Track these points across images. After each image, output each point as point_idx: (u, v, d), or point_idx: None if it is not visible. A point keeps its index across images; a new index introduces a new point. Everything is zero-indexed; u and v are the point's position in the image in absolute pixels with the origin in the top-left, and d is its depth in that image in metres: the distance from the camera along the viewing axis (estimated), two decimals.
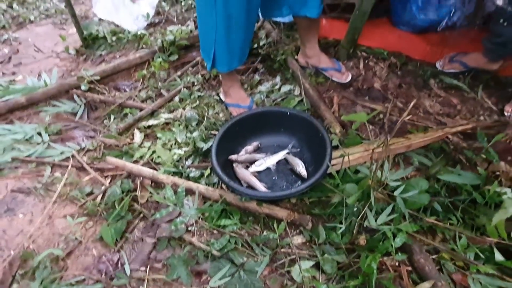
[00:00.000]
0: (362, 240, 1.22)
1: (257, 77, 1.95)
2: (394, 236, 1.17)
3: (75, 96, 1.93)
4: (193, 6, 2.52)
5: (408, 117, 1.61)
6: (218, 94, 1.85)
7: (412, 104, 0.96)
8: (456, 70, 1.89)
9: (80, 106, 1.89)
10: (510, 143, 1.50)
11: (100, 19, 2.51)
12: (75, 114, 1.87)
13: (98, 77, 2.00)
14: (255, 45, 2.09)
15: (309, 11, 1.60)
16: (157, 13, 2.53)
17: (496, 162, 1.34)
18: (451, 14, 1.84)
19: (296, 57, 1.98)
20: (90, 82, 1.97)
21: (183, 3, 2.59)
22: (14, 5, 2.78)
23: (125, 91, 1.99)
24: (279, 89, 1.85)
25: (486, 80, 1.83)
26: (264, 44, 2.10)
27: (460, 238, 1.19)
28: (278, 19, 2.21)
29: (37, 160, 1.63)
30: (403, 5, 2.06)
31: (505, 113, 1.68)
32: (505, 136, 1.52)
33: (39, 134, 1.74)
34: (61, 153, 1.66)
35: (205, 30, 1.47)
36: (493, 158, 1.34)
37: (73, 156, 1.63)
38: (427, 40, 2.03)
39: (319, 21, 1.76)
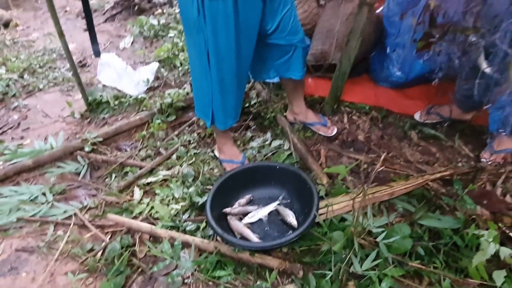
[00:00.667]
0: (350, 286, 1.28)
1: (249, 133, 2.09)
2: (380, 281, 1.22)
3: (79, 157, 2.05)
4: (188, 70, 2.73)
5: (384, 167, 1.72)
6: (213, 151, 1.98)
7: (383, 156, 1.08)
8: (434, 121, 2.04)
9: (84, 166, 2.01)
10: (486, 188, 1.60)
11: (104, 86, 2.71)
12: (78, 174, 1.98)
13: (101, 139, 2.14)
14: (247, 104, 2.25)
15: (293, 74, 1.78)
16: (156, 78, 2.74)
17: (471, 207, 1.43)
18: (427, 70, 2.01)
19: (284, 114, 2.14)
20: (93, 143, 2.11)
21: (180, 68, 2.82)
22: (25, 75, 3.01)
23: (126, 150, 2.12)
24: (270, 144, 1.98)
25: (462, 129, 1.97)
26: (255, 103, 2.27)
27: (444, 280, 1.24)
28: (267, 80, 2.41)
29: (41, 219, 1.71)
30: (381, 64, 2.27)
31: (481, 159, 1.80)
32: (481, 181, 1.62)
33: (44, 194, 1.84)
34: (64, 211, 1.74)
35: (202, 92, 1.63)
36: (468, 205, 1.44)
37: (75, 214, 1.72)
38: (405, 95, 2.21)
39: (304, 81, 1.93)
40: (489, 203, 1.47)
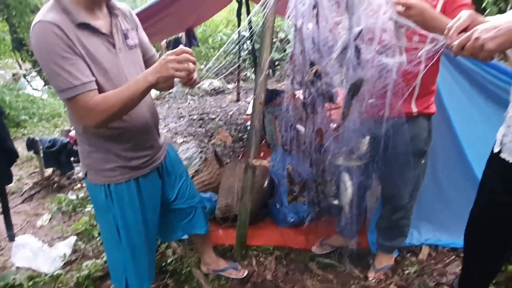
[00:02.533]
0: None
1: None
2: None
3: None
4: None
5: None
6: None
7: None
8: (328, 251, 2.38)
9: None
10: None
11: (17, 267, 2.68)
12: None
13: None
14: (163, 263, 2.41)
15: (198, 230, 2.05)
16: (74, 251, 2.79)
17: None
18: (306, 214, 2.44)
19: (200, 266, 2.32)
20: None
21: (98, 238, 2.93)
22: None
23: None
24: None
25: (351, 254, 2.32)
26: (171, 261, 2.43)
27: None
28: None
29: None
30: (278, 208, 2.68)
31: (369, 279, 2.11)
32: None
33: None
34: None
35: (115, 262, 1.76)
36: None
37: None
38: (302, 232, 2.58)
39: (210, 234, 2.20)
40: None
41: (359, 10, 1.26)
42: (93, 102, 1.29)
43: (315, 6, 1.37)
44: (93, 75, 1.32)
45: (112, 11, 1.43)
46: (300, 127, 1.53)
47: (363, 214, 2.31)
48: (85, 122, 1.36)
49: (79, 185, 3.90)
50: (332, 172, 1.76)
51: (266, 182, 2.79)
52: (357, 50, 1.27)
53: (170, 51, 1.25)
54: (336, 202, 1.81)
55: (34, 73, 9.84)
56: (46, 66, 1.26)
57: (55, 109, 7.03)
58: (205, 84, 7.35)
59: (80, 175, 4.10)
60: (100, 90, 1.34)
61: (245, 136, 4.51)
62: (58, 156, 3.63)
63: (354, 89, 1.28)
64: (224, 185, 2.79)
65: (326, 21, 1.40)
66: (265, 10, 1.76)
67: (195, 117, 5.87)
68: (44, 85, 9.08)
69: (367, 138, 1.38)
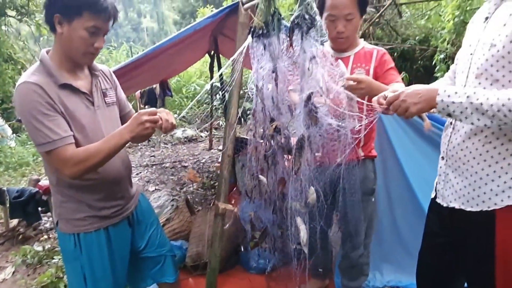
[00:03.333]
0: None
1: None
2: None
3: None
4: None
5: None
6: None
7: None
8: None
9: None
10: None
11: None
12: None
13: None
14: None
15: (167, 279, 2.07)
16: None
17: None
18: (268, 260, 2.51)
19: None
20: None
21: None
22: None
23: None
24: None
25: None
26: None
27: None
28: None
29: None
30: (247, 255, 2.74)
31: None
32: None
33: None
34: None
35: None
36: None
37: None
38: (273, 278, 2.63)
39: (179, 283, 2.22)
40: None
41: (311, 77, 1.47)
42: (70, 155, 1.40)
43: (273, 70, 1.58)
44: (71, 130, 1.44)
45: (93, 72, 1.59)
46: (262, 177, 1.68)
47: (330, 256, 2.42)
48: (62, 174, 1.45)
49: (45, 236, 3.81)
50: (290, 218, 1.89)
51: (236, 229, 2.86)
52: (309, 110, 1.46)
53: (143, 111, 1.40)
54: (297, 246, 1.93)
55: (1, 121, 9.70)
56: (27, 122, 1.38)
57: (23, 158, 6.89)
58: (179, 133, 7.50)
59: (47, 225, 4.02)
60: (77, 144, 1.46)
61: (217, 183, 4.60)
62: (26, 206, 3.57)
63: (300, 144, 1.45)
64: (195, 233, 2.84)
65: (284, 83, 1.60)
66: (233, 71, 1.96)
67: (167, 165, 5.94)
68: (12, 133, 8.94)
69: (312, 188, 1.53)
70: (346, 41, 1.84)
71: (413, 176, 2.31)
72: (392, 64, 1.86)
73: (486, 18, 1.28)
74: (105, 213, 1.63)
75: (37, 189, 3.62)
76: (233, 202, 3.62)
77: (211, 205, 3.78)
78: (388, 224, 2.33)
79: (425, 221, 1.61)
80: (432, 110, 1.38)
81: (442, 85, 1.32)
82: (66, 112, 1.44)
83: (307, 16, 1.43)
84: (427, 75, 6.22)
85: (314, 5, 1.45)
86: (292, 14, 1.53)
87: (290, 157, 1.60)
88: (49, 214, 3.99)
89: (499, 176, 1.24)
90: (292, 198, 1.51)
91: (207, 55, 5.25)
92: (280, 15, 1.59)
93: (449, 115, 1.19)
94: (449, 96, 1.16)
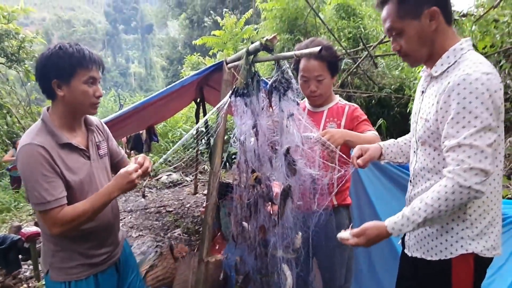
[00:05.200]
0: None
1: None
2: None
3: None
4: None
5: None
6: None
7: None
8: None
9: None
10: None
11: None
12: None
13: None
14: None
15: None
16: None
17: None
18: None
19: None
20: None
21: None
22: None
23: None
24: None
25: None
26: None
27: None
28: None
29: None
30: None
31: None
32: None
33: None
34: None
35: None
36: None
37: None
38: None
39: None
40: None
41: (288, 133, 1.64)
42: (60, 216, 1.50)
43: (254, 126, 1.74)
44: (69, 185, 1.56)
45: (89, 127, 1.72)
46: (245, 224, 1.79)
47: None
48: (53, 231, 1.54)
49: (25, 285, 3.72)
50: (274, 264, 1.98)
51: (221, 275, 2.89)
52: (288, 163, 1.62)
53: (130, 169, 1.53)
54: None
55: None
56: (28, 180, 1.50)
57: (4, 203, 6.78)
58: (163, 177, 7.54)
59: (27, 274, 3.93)
60: (74, 195, 1.57)
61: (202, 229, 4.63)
62: (7, 254, 3.52)
63: (285, 193, 1.59)
64: (179, 280, 2.86)
65: (264, 137, 1.76)
66: (217, 124, 2.13)
67: (152, 210, 5.93)
68: None
69: (300, 234, 1.65)
70: (320, 98, 2.05)
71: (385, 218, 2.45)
72: (364, 117, 2.04)
73: (422, 92, 1.50)
74: (95, 260, 1.70)
75: (19, 237, 3.58)
76: (217, 247, 3.65)
77: (196, 250, 3.80)
78: (366, 268, 2.42)
79: (399, 264, 1.72)
80: (402, 161, 1.60)
81: (387, 222, 1.43)
82: (66, 168, 1.56)
83: (283, 80, 1.62)
84: (403, 120, 6.54)
85: (289, 71, 1.65)
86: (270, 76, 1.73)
87: (272, 205, 1.73)
88: (29, 262, 3.92)
89: (452, 228, 1.39)
90: (275, 245, 1.62)
91: (193, 102, 5.47)
92: (260, 77, 1.79)
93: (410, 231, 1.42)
94: (397, 228, 1.36)
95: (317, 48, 1.51)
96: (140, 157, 1.62)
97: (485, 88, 1.22)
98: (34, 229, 3.63)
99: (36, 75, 1.57)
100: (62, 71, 1.52)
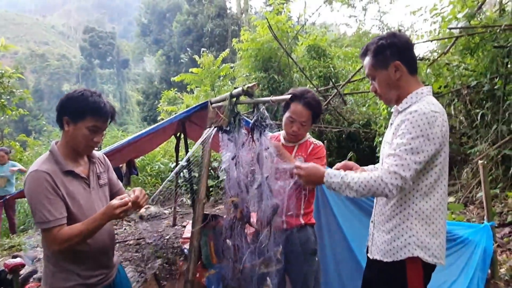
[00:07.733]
0: None
1: None
2: None
3: None
4: None
5: None
6: None
7: None
8: None
9: None
10: None
11: None
12: None
13: None
14: None
15: None
16: None
17: None
18: None
19: None
20: None
21: None
22: None
23: None
24: None
25: None
26: None
27: None
28: None
29: None
30: None
31: None
32: None
33: None
34: None
35: None
36: None
37: None
38: None
39: None
40: None
41: (266, 164, 1.97)
42: (60, 233, 1.72)
43: (233, 157, 2.06)
44: (70, 209, 1.78)
45: (91, 159, 1.97)
46: (229, 241, 2.06)
47: None
48: (52, 248, 1.75)
49: None
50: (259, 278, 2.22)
51: None
52: (268, 187, 1.94)
53: (115, 204, 1.72)
54: None
55: None
56: (33, 202, 1.72)
57: None
58: (141, 210, 7.59)
59: None
60: (75, 219, 1.79)
61: (181, 258, 4.77)
62: None
63: (273, 211, 1.91)
64: None
65: (243, 167, 2.08)
66: (203, 155, 2.42)
67: (131, 242, 5.99)
68: None
69: (281, 246, 1.96)
70: (297, 138, 2.41)
71: (352, 239, 2.81)
72: (322, 155, 2.37)
73: (391, 124, 1.88)
74: (92, 281, 1.88)
75: (2, 268, 3.63)
76: (197, 275, 3.81)
77: (178, 277, 3.94)
78: (335, 280, 2.75)
79: (364, 270, 2.03)
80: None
81: (328, 169, 1.81)
82: (67, 193, 1.79)
83: (262, 120, 1.97)
84: (372, 153, 7.02)
85: (266, 112, 2.00)
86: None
87: (249, 226, 2.03)
88: None
89: (402, 235, 1.73)
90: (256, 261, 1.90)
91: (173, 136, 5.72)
92: (241, 116, 2.13)
93: (333, 189, 1.74)
94: (330, 177, 1.72)
95: (288, 96, 1.89)
96: (137, 190, 1.87)
97: (428, 122, 1.62)
98: (18, 260, 3.69)
99: (56, 106, 1.84)
100: (75, 113, 1.80)
